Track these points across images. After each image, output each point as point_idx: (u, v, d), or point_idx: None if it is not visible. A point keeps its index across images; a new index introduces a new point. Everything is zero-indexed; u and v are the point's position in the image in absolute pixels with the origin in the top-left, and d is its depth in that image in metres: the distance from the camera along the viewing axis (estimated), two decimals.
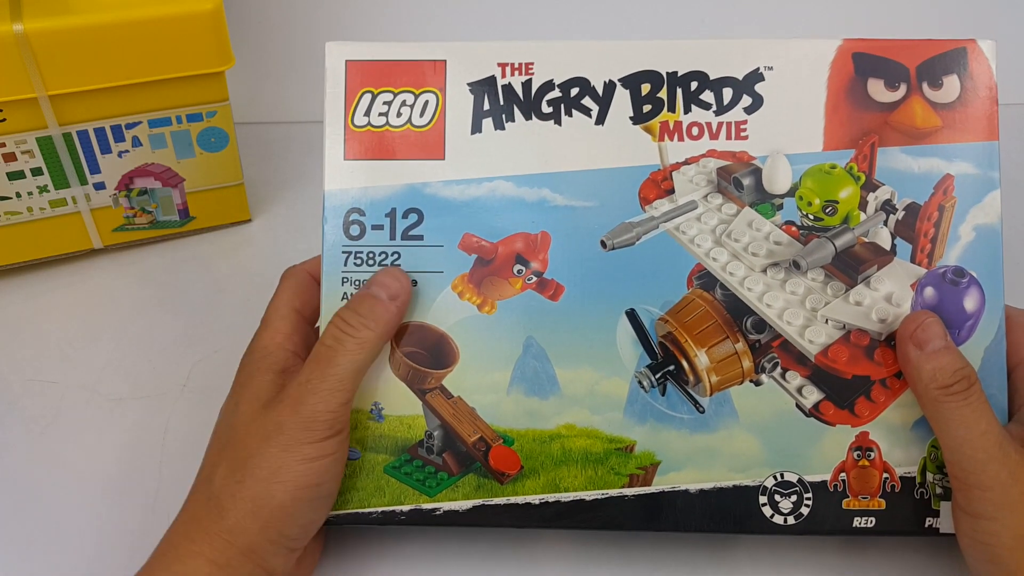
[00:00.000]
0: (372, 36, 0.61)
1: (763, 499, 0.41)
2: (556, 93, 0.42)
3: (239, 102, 0.53)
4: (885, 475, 0.41)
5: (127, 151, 0.52)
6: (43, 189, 0.51)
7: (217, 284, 0.56)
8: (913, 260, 0.42)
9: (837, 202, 0.42)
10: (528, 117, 0.42)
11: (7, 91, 0.47)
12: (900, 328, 0.41)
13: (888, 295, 0.42)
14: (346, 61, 0.42)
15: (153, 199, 0.55)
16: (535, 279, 0.42)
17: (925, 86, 0.42)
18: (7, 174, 0.50)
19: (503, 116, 0.42)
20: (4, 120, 0.48)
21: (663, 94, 0.42)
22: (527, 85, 0.42)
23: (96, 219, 0.54)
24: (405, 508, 0.42)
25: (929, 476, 0.41)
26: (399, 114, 0.42)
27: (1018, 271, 0.56)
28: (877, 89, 0.42)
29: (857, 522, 0.41)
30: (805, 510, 0.41)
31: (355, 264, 0.42)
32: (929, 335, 0.40)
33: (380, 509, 0.41)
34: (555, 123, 0.42)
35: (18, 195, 0.51)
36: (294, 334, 0.41)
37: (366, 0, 0.67)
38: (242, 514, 0.37)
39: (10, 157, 0.49)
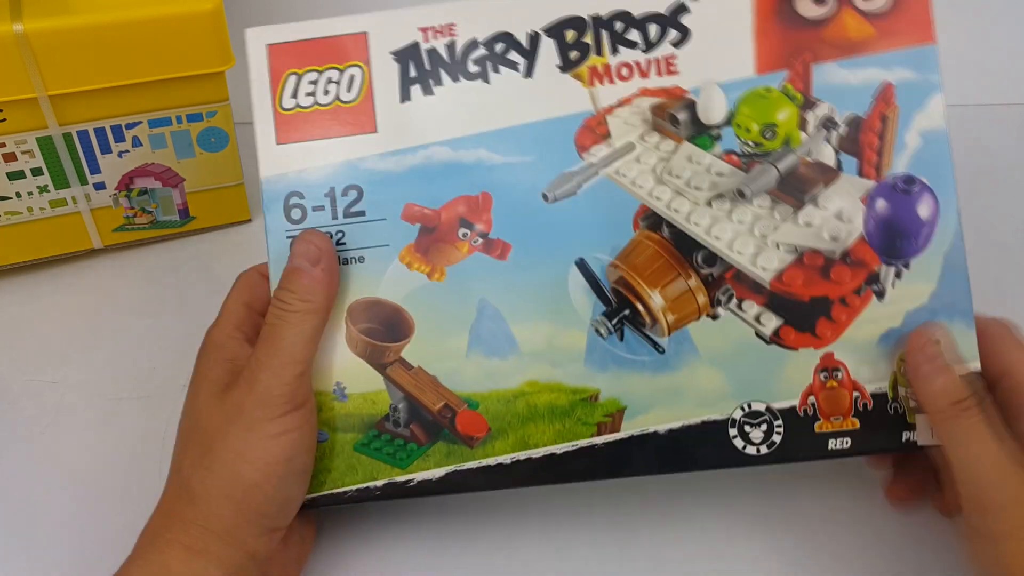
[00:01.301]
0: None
1: (733, 431, 0.42)
2: (481, 51, 0.42)
3: (239, 102, 0.53)
4: (856, 394, 0.42)
5: (127, 151, 0.52)
6: (43, 189, 0.52)
7: (217, 284, 0.56)
8: (860, 174, 0.42)
9: (776, 125, 0.42)
10: (456, 79, 0.42)
11: (7, 91, 0.47)
12: (910, 341, 0.41)
13: (838, 212, 0.42)
14: (267, 45, 0.43)
15: (153, 199, 0.55)
16: (481, 240, 0.43)
17: None
18: (7, 174, 0.50)
19: (430, 81, 0.42)
20: (4, 120, 0.48)
21: (589, 38, 0.42)
22: (451, 47, 0.42)
23: (96, 219, 0.54)
24: (379, 483, 0.42)
25: (901, 390, 0.42)
26: (326, 92, 0.42)
27: (1019, 270, 0.56)
28: (805, 5, 0.42)
29: (832, 444, 0.42)
30: (777, 438, 0.42)
31: None
32: (940, 349, 0.40)
33: (354, 487, 0.42)
34: (483, 82, 0.42)
35: (18, 195, 0.51)
36: (243, 325, 0.42)
37: None
38: (215, 498, 0.38)
39: (10, 157, 0.50)
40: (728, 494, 0.46)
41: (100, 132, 0.52)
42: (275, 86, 0.42)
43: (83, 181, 0.53)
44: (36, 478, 0.48)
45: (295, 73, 0.42)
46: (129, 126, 0.52)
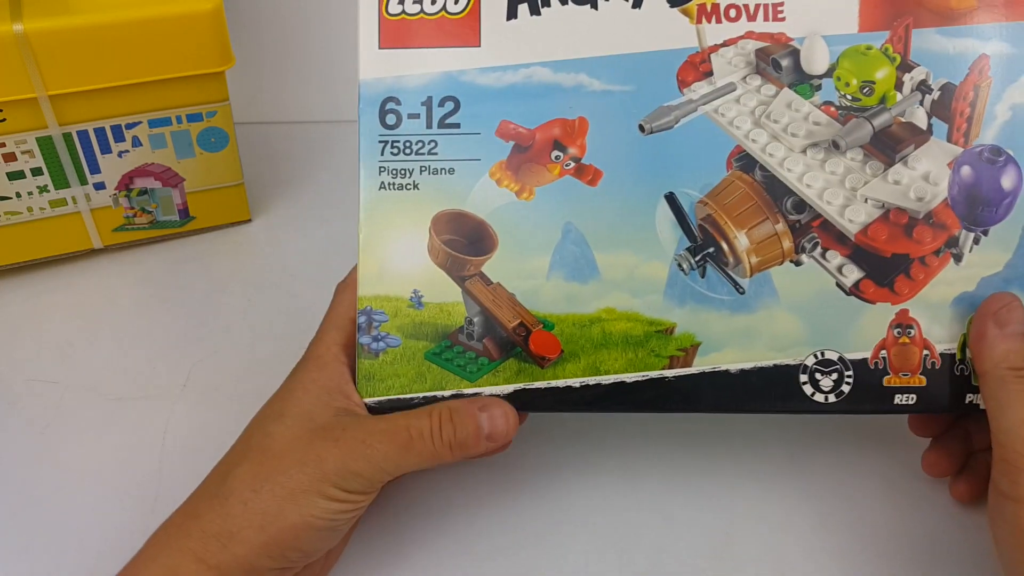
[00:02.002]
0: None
1: (804, 377, 0.42)
2: None
3: (239, 102, 0.53)
4: (925, 352, 0.42)
5: (127, 151, 0.52)
6: (43, 189, 0.52)
7: (217, 284, 0.57)
8: (949, 140, 0.43)
9: (874, 82, 0.43)
10: (564, 2, 0.42)
11: (7, 91, 0.47)
12: (983, 304, 0.42)
13: (925, 174, 0.43)
14: None
15: (153, 199, 0.55)
16: (573, 165, 0.43)
17: None
18: (7, 174, 0.50)
19: (539, 1, 0.42)
20: (4, 120, 0.48)
21: None
22: None
23: (96, 219, 0.54)
24: (446, 393, 0.42)
25: (969, 353, 0.42)
26: (433, 1, 0.42)
27: None
28: None
29: (898, 399, 0.42)
30: (846, 388, 0.42)
31: (391, 153, 0.43)
32: (1012, 318, 0.41)
33: (421, 395, 0.42)
34: (591, 7, 0.42)
35: (18, 195, 0.51)
36: (349, 345, 0.42)
37: None
38: (248, 523, 0.38)
39: (10, 157, 0.50)
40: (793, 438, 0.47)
41: (100, 132, 0.52)
42: None
43: (83, 181, 0.54)
44: (36, 478, 0.48)
45: None
46: (129, 126, 0.52)
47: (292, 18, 0.67)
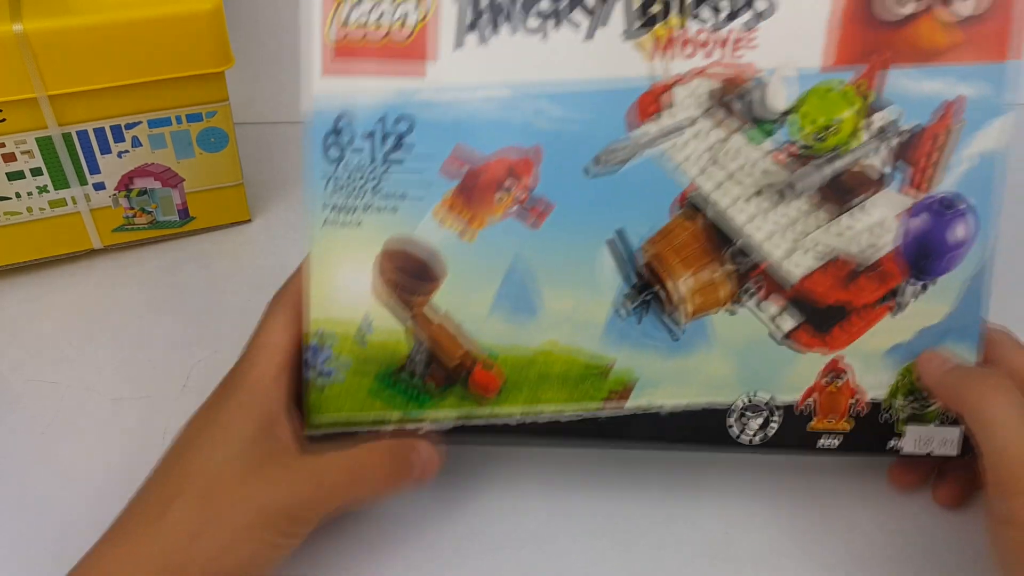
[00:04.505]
0: None
1: (731, 421, 0.43)
2: (546, 5, 0.41)
3: (239, 102, 0.53)
4: (853, 399, 0.43)
5: (127, 151, 0.52)
6: (43, 189, 0.52)
7: (217, 284, 0.57)
8: (911, 183, 0.42)
9: (835, 124, 0.42)
10: (515, 31, 0.41)
11: (7, 91, 0.47)
12: (923, 356, 0.42)
13: (874, 223, 0.42)
14: None
15: (153, 199, 0.55)
16: (518, 203, 0.43)
17: (940, 1, 0.41)
18: (7, 174, 0.50)
19: (488, 29, 0.41)
20: (4, 120, 0.48)
21: (657, 6, 0.41)
22: None
23: (96, 219, 0.54)
24: (391, 425, 0.43)
25: (898, 402, 0.43)
26: (378, 25, 0.41)
27: (1018, 271, 0.56)
28: (889, 3, 0.41)
29: (821, 442, 0.43)
30: (771, 430, 0.43)
31: (336, 188, 0.42)
32: (939, 353, 0.42)
33: (365, 428, 0.43)
34: (542, 37, 0.41)
35: (18, 195, 0.52)
36: (285, 369, 0.41)
37: None
38: (192, 561, 0.36)
39: (10, 157, 0.50)
40: (724, 476, 0.47)
41: (100, 132, 0.52)
42: (328, 11, 0.41)
43: (83, 181, 0.54)
44: (36, 478, 0.48)
45: (347, 1, 0.42)
46: (129, 126, 0.52)
47: (292, 18, 0.67)
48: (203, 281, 0.57)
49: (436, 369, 0.43)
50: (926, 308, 0.42)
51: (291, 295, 0.43)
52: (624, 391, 0.43)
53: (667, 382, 0.43)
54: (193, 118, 0.54)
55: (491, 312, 0.43)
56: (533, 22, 0.41)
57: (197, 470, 0.38)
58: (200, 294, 0.56)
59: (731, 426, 0.43)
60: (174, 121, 0.53)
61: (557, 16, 0.41)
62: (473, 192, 0.42)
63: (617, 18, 0.41)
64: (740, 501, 0.46)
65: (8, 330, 0.54)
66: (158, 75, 0.51)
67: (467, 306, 0.42)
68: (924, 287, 0.42)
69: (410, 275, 0.43)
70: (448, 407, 0.43)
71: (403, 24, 0.41)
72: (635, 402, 0.43)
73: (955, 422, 0.43)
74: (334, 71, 0.41)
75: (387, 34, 0.41)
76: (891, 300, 0.42)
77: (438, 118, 0.41)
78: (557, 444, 0.43)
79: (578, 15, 0.41)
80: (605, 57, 0.41)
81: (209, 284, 0.57)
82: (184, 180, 0.56)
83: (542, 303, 0.42)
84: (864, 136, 0.42)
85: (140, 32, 0.49)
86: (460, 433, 0.43)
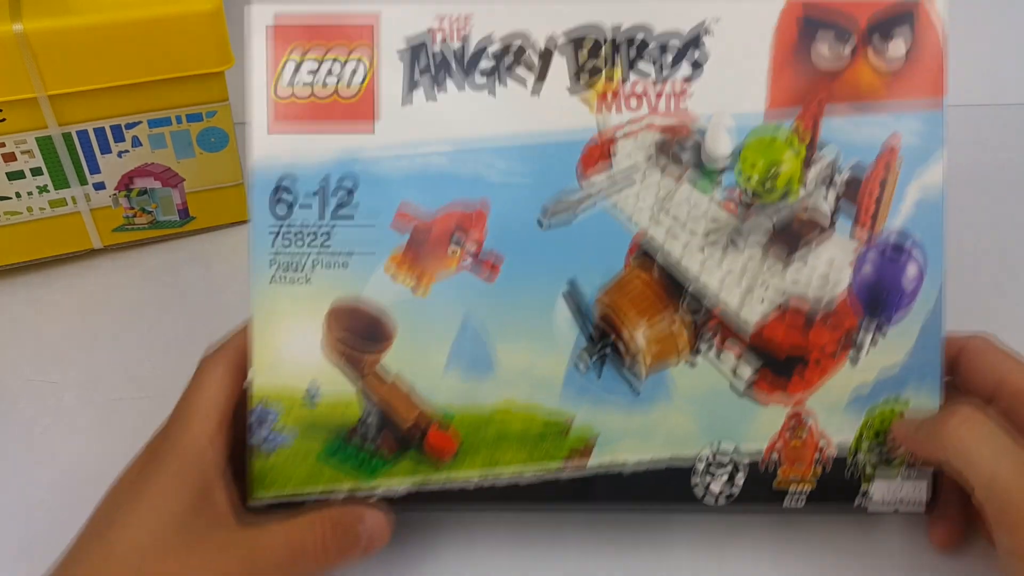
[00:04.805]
0: None
1: (695, 478, 0.42)
2: (491, 62, 0.41)
3: (239, 102, 0.52)
4: (817, 453, 0.43)
5: (127, 151, 0.52)
6: (43, 189, 0.52)
7: (217, 284, 0.57)
8: (856, 223, 0.42)
9: (778, 171, 0.42)
10: (461, 87, 0.42)
11: (7, 91, 0.47)
12: (896, 431, 0.42)
13: (826, 270, 0.42)
14: (268, 25, 0.41)
15: (153, 199, 0.55)
16: (470, 258, 0.42)
17: (874, 44, 0.42)
18: (7, 174, 0.51)
19: (435, 86, 0.41)
20: (4, 120, 0.48)
21: (601, 60, 0.42)
22: (460, 52, 0.41)
23: (96, 219, 0.54)
24: (341, 493, 0.42)
25: (861, 455, 0.43)
26: (326, 83, 0.41)
27: (1017, 271, 0.57)
28: (824, 48, 0.42)
29: (787, 501, 0.43)
30: (736, 489, 0.42)
31: (283, 245, 0.41)
32: (907, 421, 0.41)
33: (315, 495, 0.42)
34: (489, 93, 0.41)
35: (18, 195, 0.52)
36: (220, 433, 0.40)
37: None
38: None
39: (10, 157, 0.50)
40: (690, 536, 0.45)
41: (100, 132, 0.52)
42: (273, 70, 0.41)
43: (83, 181, 0.54)
44: (35, 478, 0.48)
45: (295, 59, 0.41)
46: (129, 126, 0.52)
47: None
48: (203, 281, 0.57)
49: (389, 433, 0.42)
50: (884, 354, 0.42)
51: (229, 351, 0.42)
52: (585, 449, 0.42)
53: (629, 438, 0.42)
54: (193, 118, 0.54)
55: (446, 370, 0.42)
56: (479, 79, 0.42)
57: (121, 552, 0.36)
58: (200, 294, 0.56)
59: (695, 485, 0.42)
60: (174, 121, 0.53)
61: (499, 74, 0.41)
62: (424, 247, 0.42)
63: (561, 73, 0.42)
64: (709, 555, 0.44)
65: (8, 330, 0.54)
66: (158, 75, 0.51)
67: (421, 364, 0.41)
68: (880, 332, 0.42)
69: (360, 334, 0.42)
70: (402, 474, 0.42)
71: (350, 82, 0.41)
72: (597, 460, 0.42)
73: (921, 476, 0.42)
74: (280, 129, 0.41)
75: (334, 92, 0.41)
76: (848, 346, 0.42)
77: (386, 173, 0.41)
78: (517, 508, 0.42)
79: (523, 71, 0.41)
80: (552, 111, 0.41)
81: (209, 284, 0.57)
82: (184, 180, 0.56)
83: (498, 359, 0.42)
84: (808, 180, 0.42)
85: (140, 32, 0.49)
86: (415, 500, 0.42)
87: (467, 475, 0.42)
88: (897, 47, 0.42)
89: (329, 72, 0.41)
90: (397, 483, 0.42)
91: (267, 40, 0.41)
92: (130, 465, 0.40)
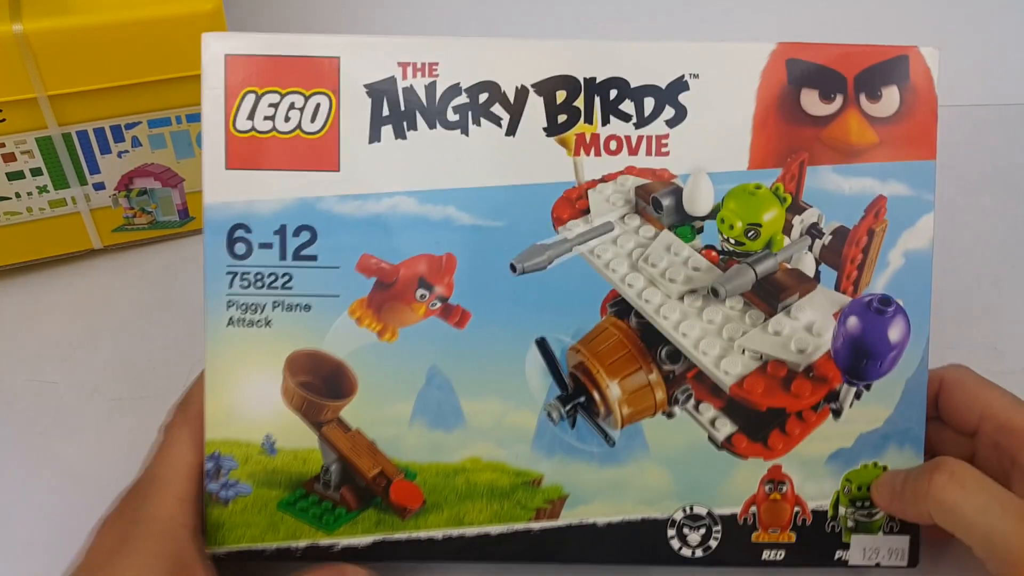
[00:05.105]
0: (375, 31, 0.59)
1: (671, 532, 0.42)
2: (463, 99, 0.40)
3: None
4: (796, 509, 0.42)
5: (127, 151, 0.52)
6: (43, 189, 0.52)
7: None
8: (838, 287, 0.41)
9: (760, 225, 0.41)
10: (432, 126, 0.40)
11: (7, 91, 0.47)
12: (877, 491, 0.41)
13: (809, 324, 0.41)
14: (225, 55, 0.39)
15: (153, 199, 0.55)
16: (439, 305, 0.40)
17: (863, 98, 0.41)
18: (7, 174, 0.51)
19: (404, 124, 0.39)
20: (4, 120, 0.48)
21: (580, 103, 0.40)
22: (431, 89, 0.40)
23: (96, 219, 0.54)
24: (301, 544, 0.41)
25: (842, 510, 0.42)
26: (287, 118, 0.39)
27: (1018, 271, 0.57)
28: (811, 101, 0.41)
29: (766, 555, 0.42)
30: (713, 543, 0.42)
31: (242, 287, 0.40)
32: (887, 479, 0.40)
33: (275, 546, 0.41)
34: (462, 133, 0.40)
35: (18, 195, 0.52)
36: (188, 501, 0.39)
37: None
38: None
39: (10, 157, 0.50)
40: None
41: (100, 132, 0.52)
42: (230, 103, 0.39)
43: (83, 181, 0.54)
44: (35, 478, 0.48)
45: (254, 92, 0.39)
46: (129, 126, 0.52)
47: (292, 19, 0.67)
48: (203, 281, 0.57)
49: (352, 482, 0.41)
50: (866, 412, 0.41)
51: (190, 411, 0.41)
52: (555, 508, 0.41)
53: (600, 496, 0.41)
54: (193, 118, 0.54)
55: (411, 421, 0.41)
56: (452, 115, 0.40)
57: None
58: (200, 294, 0.56)
59: (672, 538, 0.41)
60: (174, 121, 0.53)
61: (473, 113, 0.40)
62: (391, 291, 0.40)
63: (537, 114, 0.40)
64: None
65: (8, 330, 0.54)
66: (158, 75, 0.51)
67: (385, 414, 0.40)
68: (861, 391, 0.41)
69: (323, 379, 0.41)
70: (365, 526, 0.41)
71: (314, 117, 0.39)
72: (567, 519, 0.41)
73: (903, 530, 0.42)
74: (239, 165, 0.39)
75: (297, 127, 0.39)
76: (830, 404, 0.41)
77: (351, 214, 0.40)
78: (487, 561, 0.41)
79: (498, 109, 0.40)
80: (528, 152, 0.40)
81: None
82: (184, 180, 0.56)
83: (466, 410, 0.40)
84: (788, 239, 0.41)
85: (140, 32, 0.49)
86: (380, 551, 0.41)
87: (433, 529, 0.41)
88: (890, 99, 0.40)
89: (292, 106, 0.39)
90: (360, 537, 0.41)
91: (225, 70, 0.39)
92: (95, 538, 0.39)
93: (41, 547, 0.45)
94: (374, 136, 0.40)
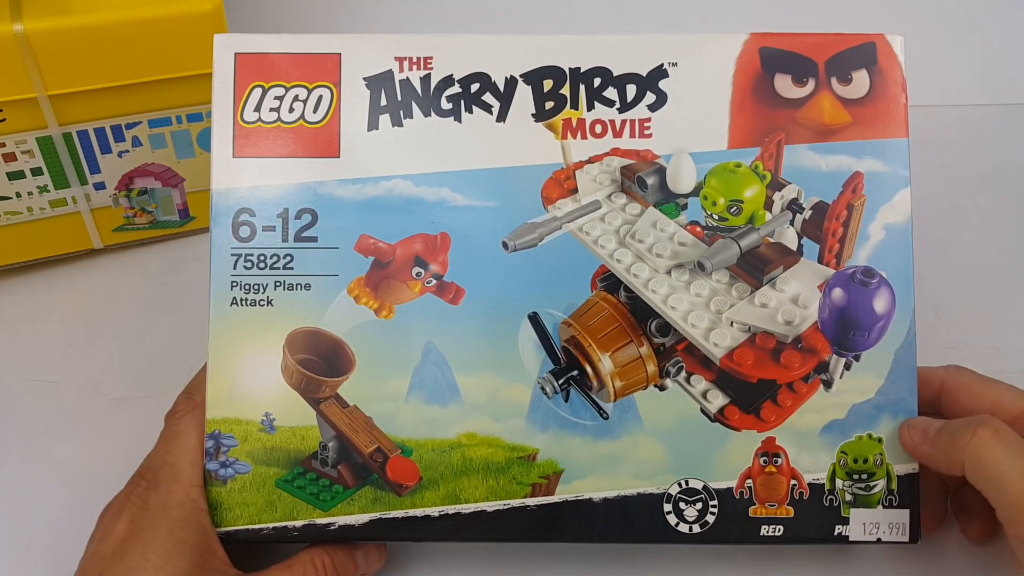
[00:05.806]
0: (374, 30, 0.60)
1: (668, 507, 0.42)
2: (456, 89, 0.42)
3: None
4: (793, 482, 0.42)
5: (127, 151, 0.52)
6: (43, 189, 0.52)
7: None
8: (821, 260, 0.42)
9: (742, 201, 0.42)
10: (427, 114, 0.42)
11: (7, 91, 0.47)
12: (906, 437, 0.41)
13: (795, 296, 0.42)
14: (235, 54, 0.42)
15: (153, 199, 0.55)
16: (434, 282, 0.42)
17: (834, 81, 0.43)
18: (7, 174, 0.51)
19: (401, 113, 0.42)
20: (4, 120, 0.48)
21: (566, 90, 0.42)
22: (426, 80, 0.42)
23: (96, 219, 0.54)
24: (298, 524, 0.41)
25: (839, 483, 0.42)
26: (291, 110, 0.42)
27: (1018, 272, 0.57)
28: (785, 85, 0.42)
29: (764, 530, 0.42)
30: (711, 518, 0.42)
31: (245, 268, 0.42)
32: (920, 423, 0.40)
33: (272, 525, 0.41)
34: (455, 120, 0.42)
35: (18, 195, 0.52)
36: (202, 487, 0.40)
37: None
38: None
39: (10, 157, 0.50)
40: (665, 564, 0.45)
41: (100, 132, 0.52)
42: (239, 97, 0.42)
43: (83, 181, 0.54)
44: (35, 478, 0.48)
45: (260, 86, 0.42)
46: (129, 126, 0.52)
47: (292, 19, 0.67)
48: (203, 281, 0.57)
49: (349, 459, 0.41)
50: (857, 383, 0.42)
51: (202, 392, 0.42)
52: (550, 483, 0.41)
53: (595, 471, 0.41)
54: (193, 118, 0.54)
55: (407, 400, 0.41)
56: (445, 104, 0.42)
57: None
58: (200, 294, 0.56)
59: (668, 512, 0.41)
60: (174, 121, 0.53)
61: (465, 101, 0.42)
62: (388, 270, 0.42)
63: (526, 102, 0.42)
64: None
65: (8, 330, 0.54)
66: (158, 75, 0.51)
67: (380, 394, 0.41)
68: (851, 362, 0.41)
69: (322, 357, 0.41)
70: (362, 504, 0.41)
71: (316, 108, 0.42)
72: (563, 495, 0.41)
73: (902, 504, 0.42)
74: (246, 153, 0.42)
75: (300, 118, 0.42)
76: (820, 375, 0.41)
77: (351, 197, 0.41)
78: (483, 539, 0.42)
79: (489, 98, 0.42)
80: (517, 137, 0.42)
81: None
82: (184, 180, 0.56)
83: (459, 390, 0.41)
84: (770, 214, 0.42)
85: (140, 32, 0.49)
86: (377, 529, 0.41)
87: (429, 507, 0.41)
88: (860, 82, 0.42)
89: (296, 98, 0.42)
90: (356, 515, 0.41)
91: (234, 67, 0.42)
92: (102, 525, 0.40)
93: (41, 547, 0.45)
94: (372, 124, 0.42)
